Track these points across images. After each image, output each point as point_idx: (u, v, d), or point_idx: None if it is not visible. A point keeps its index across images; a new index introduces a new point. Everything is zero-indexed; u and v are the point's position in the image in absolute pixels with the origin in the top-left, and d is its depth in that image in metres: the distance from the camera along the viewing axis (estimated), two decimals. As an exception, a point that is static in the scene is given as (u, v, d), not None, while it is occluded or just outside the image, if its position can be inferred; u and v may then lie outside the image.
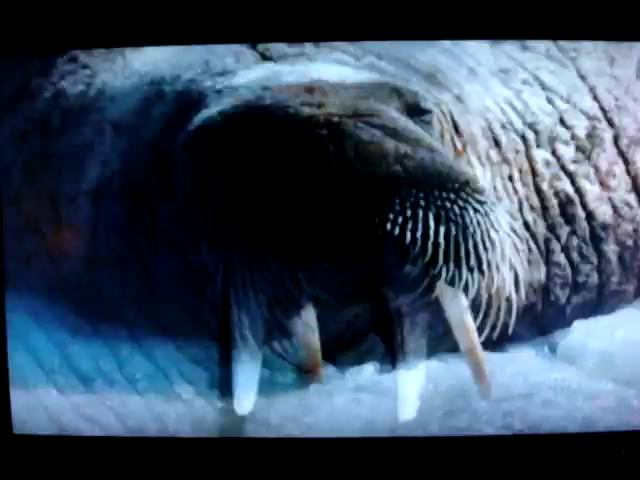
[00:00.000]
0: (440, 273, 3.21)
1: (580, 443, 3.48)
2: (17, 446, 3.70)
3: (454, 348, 3.29)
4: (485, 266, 3.26)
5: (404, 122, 3.29)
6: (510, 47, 3.71)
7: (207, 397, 3.36)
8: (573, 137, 3.57)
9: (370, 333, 3.39)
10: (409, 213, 3.16)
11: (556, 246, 3.51)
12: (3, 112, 3.82)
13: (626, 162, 3.58)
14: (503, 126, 3.55)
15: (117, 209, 3.54)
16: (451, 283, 3.24)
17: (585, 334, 3.51)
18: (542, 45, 3.70)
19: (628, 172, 3.57)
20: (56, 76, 3.71)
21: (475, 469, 3.56)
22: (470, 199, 3.23)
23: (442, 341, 3.35)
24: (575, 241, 3.53)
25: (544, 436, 3.43)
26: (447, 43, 3.73)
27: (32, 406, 3.52)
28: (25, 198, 3.70)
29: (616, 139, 3.58)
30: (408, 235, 3.17)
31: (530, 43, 3.73)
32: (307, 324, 3.26)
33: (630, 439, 3.52)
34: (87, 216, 3.58)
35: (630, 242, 3.56)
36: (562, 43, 3.74)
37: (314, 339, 3.25)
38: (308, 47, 3.54)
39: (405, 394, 3.34)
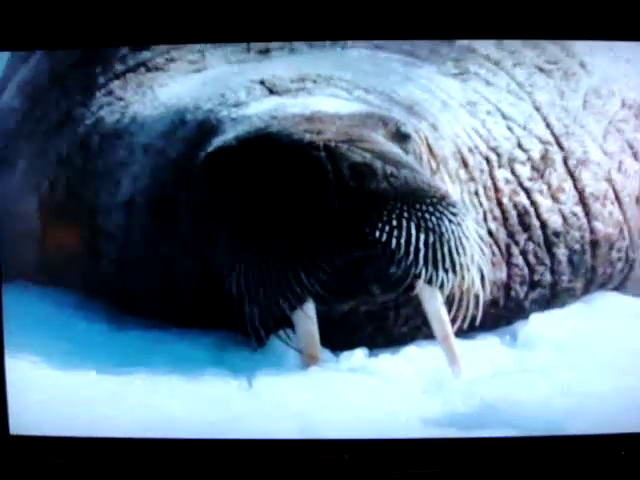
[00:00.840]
0: (420, 274, 3.36)
1: (573, 445, 3.46)
2: (13, 447, 3.64)
3: (431, 336, 3.45)
4: (458, 268, 3.42)
5: (389, 146, 3.48)
6: (476, 83, 3.85)
7: (223, 378, 3.45)
8: (529, 159, 3.76)
9: (360, 323, 3.51)
10: (394, 223, 3.33)
11: (515, 250, 3.69)
12: (50, 136, 3.96)
13: (574, 180, 3.77)
14: (470, 150, 3.71)
15: (146, 218, 3.70)
16: (429, 282, 3.38)
17: (541, 324, 3.67)
18: (503, 81, 3.84)
19: (576, 188, 3.77)
20: (95, 106, 3.88)
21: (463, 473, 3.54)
22: (445, 211, 3.40)
23: (421, 330, 3.51)
24: (531, 246, 3.70)
25: (528, 438, 3.39)
26: (423, 80, 3.83)
27: (40, 405, 3.50)
28: (68, 209, 3.86)
29: (565, 160, 3.77)
30: (393, 241, 3.32)
31: (493, 79, 3.86)
32: (308, 316, 3.38)
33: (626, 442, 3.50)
34: (120, 224, 3.75)
35: (578, 247, 3.75)
36: (520, 79, 3.88)
37: (313, 328, 3.39)
38: (308, 83, 3.67)
39: (389, 375, 3.47)
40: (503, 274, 3.67)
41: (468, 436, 3.36)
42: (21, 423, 3.62)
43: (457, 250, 3.42)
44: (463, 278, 3.46)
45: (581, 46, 4.00)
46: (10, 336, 3.73)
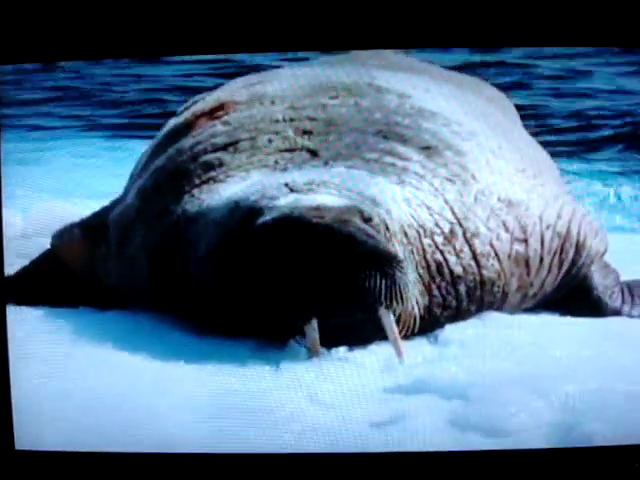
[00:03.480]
0: (381, 303, 3.65)
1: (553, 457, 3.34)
2: (19, 462, 3.27)
3: (385, 338, 3.73)
4: (404, 299, 3.70)
5: (363, 226, 3.70)
6: (410, 188, 4.03)
7: (261, 365, 3.72)
8: (442, 232, 3.98)
9: (344, 331, 3.75)
10: (367, 272, 3.61)
11: (434, 287, 3.93)
12: (155, 220, 4.16)
13: (469, 245, 4.02)
14: (408, 226, 3.92)
15: (215, 267, 3.86)
16: (387, 308, 3.66)
17: (451, 331, 3.97)
18: (426, 187, 4.04)
19: (470, 250, 4.02)
20: (183, 203, 4.10)
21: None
22: (396, 265, 3.66)
23: (380, 335, 3.74)
24: (443, 284, 3.95)
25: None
26: (380, 185, 3.94)
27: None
28: (168, 264, 4.05)
29: (464, 233, 4.02)
30: (366, 284, 3.60)
31: (420, 186, 4.01)
32: (313, 328, 3.65)
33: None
34: (200, 270, 3.91)
35: (472, 285, 4.00)
36: (436, 186, 4.05)
37: (316, 335, 3.66)
38: (314, 186, 3.84)
39: (360, 362, 3.75)
40: (427, 301, 3.90)
41: (475, 449, 3.34)
42: (26, 438, 3.37)
43: (404, 289, 3.68)
44: (407, 306, 3.73)
45: (472, 165, 4.16)
46: (112, 342, 3.77)
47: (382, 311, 3.66)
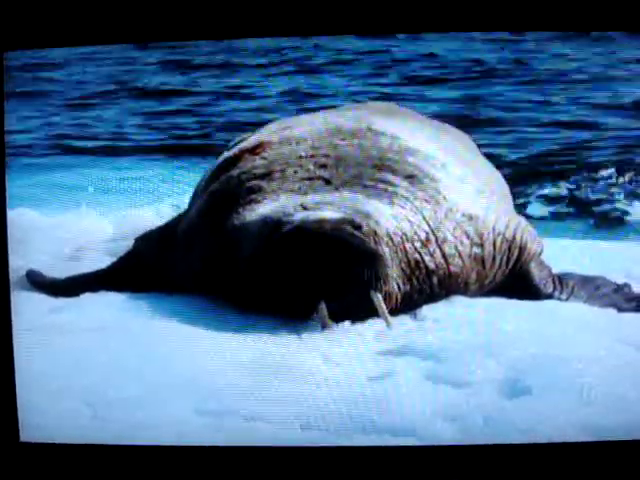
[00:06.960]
0: (371, 287, 3.85)
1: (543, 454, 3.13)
2: (23, 455, 2.78)
3: (377, 314, 3.89)
4: (386, 282, 3.88)
5: (353, 231, 3.86)
6: (396, 207, 4.13)
7: (288, 334, 3.89)
8: (419, 239, 4.12)
9: (346, 309, 3.91)
10: (359, 267, 3.81)
11: (413, 277, 4.07)
12: (209, 233, 4.22)
13: (440, 248, 4.16)
14: (393, 233, 4.04)
15: (254, 265, 4.01)
16: (374, 289, 3.86)
17: (427, 310, 4.09)
18: (409, 206, 4.14)
19: (441, 251, 4.17)
20: (230, 219, 4.18)
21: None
22: (376, 257, 3.86)
23: (372, 311, 3.91)
24: (421, 276, 4.09)
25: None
26: (373, 205, 4.02)
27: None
28: (220, 263, 4.14)
29: (436, 240, 4.16)
30: (355, 273, 3.81)
31: (404, 205, 4.09)
32: (321, 307, 3.82)
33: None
34: (245, 268, 4.06)
35: (442, 277, 4.15)
36: (417, 205, 4.12)
37: (324, 312, 3.84)
38: (320, 205, 3.98)
39: (359, 331, 3.92)
40: (408, 288, 4.06)
41: (480, 443, 3.24)
42: (31, 430, 3.00)
43: (384, 274, 3.87)
44: (389, 286, 3.93)
45: (443, 189, 4.28)
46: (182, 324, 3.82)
47: (371, 293, 3.83)
